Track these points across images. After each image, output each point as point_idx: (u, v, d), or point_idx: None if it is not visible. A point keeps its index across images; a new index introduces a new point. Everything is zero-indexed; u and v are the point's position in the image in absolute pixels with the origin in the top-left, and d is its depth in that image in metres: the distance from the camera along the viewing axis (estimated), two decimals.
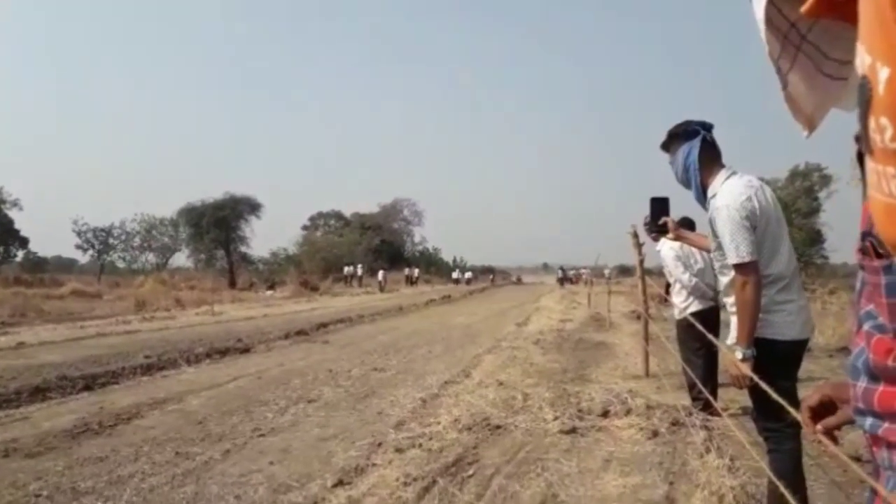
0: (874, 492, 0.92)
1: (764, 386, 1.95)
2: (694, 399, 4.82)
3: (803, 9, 0.43)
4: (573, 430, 4.36)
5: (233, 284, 34.98)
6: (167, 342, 10.01)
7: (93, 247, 46.26)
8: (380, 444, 4.20)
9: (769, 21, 0.77)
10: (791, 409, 1.95)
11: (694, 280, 4.93)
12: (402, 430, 4.55)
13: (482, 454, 3.94)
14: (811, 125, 0.96)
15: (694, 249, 4.89)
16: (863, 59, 0.34)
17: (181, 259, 46.64)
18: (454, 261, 74.47)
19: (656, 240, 4.61)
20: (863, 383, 0.92)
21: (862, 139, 0.39)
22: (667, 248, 5.00)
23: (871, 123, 0.35)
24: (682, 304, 5.08)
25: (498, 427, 4.50)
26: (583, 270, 49.03)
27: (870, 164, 0.38)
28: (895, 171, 0.35)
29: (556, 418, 4.62)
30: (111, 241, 47.04)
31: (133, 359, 8.08)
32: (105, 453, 4.15)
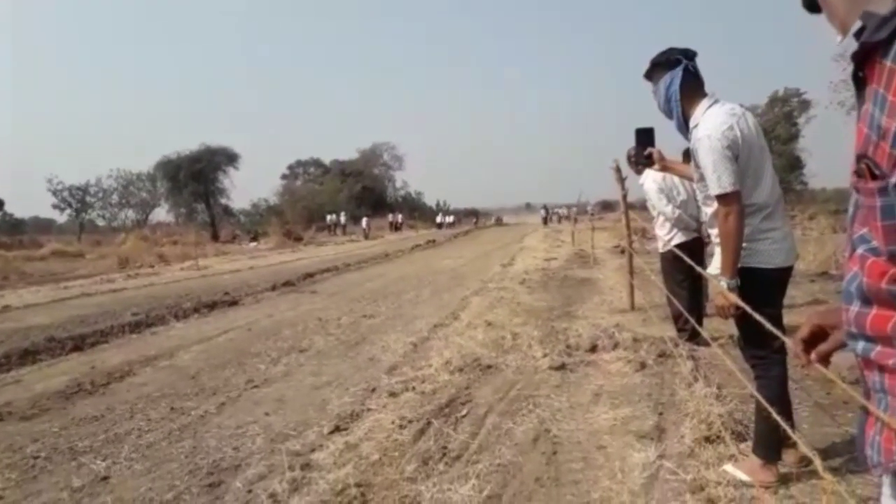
0: (867, 412, 0.94)
1: (753, 314, 1.97)
2: (680, 330, 4.90)
3: None
4: (562, 367, 4.43)
5: (216, 238, 34.78)
6: (154, 298, 9.99)
7: (70, 206, 45.50)
8: (373, 390, 4.25)
9: None
10: (779, 334, 1.99)
11: (677, 212, 4.92)
12: (395, 374, 4.60)
13: (475, 394, 4.01)
14: (844, 28, 0.93)
15: (677, 181, 4.87)
16: None
17: (161, 214, 46.20)
18: (437, 205, 74.34)
19: (640, 172, 4.59)
20: (855, 307, 0.92)
21: None
22: (650, 182, 4.98)
23: None
24: (666, 236, 5.10)
25: (489, 367, 4.57)
26: (562, 210, 49.10)
27: None
28: None
29: (545, 355, 4.69)
30: (88, 199, 46.26)
31: (121, 317, 8.07)
32: (100, 412, 4.17)
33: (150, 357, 5.75)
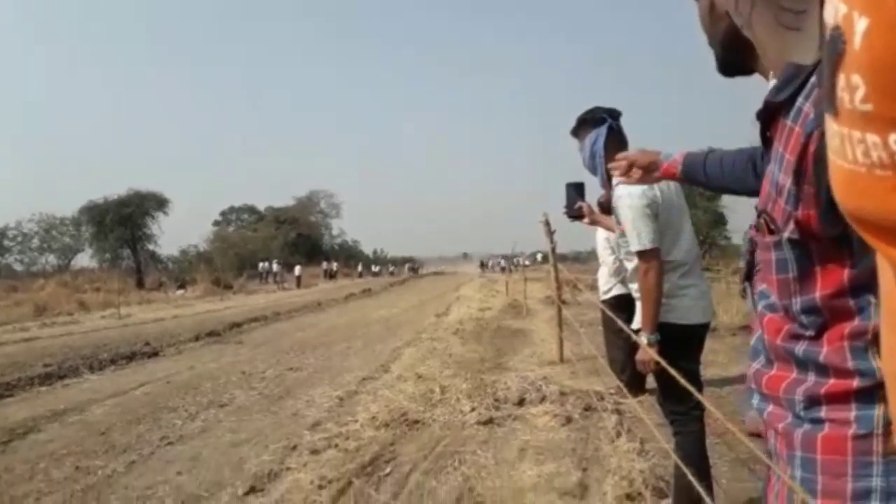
0: (770, 470, 0.93)
1: (669, 370, 1.99)
2: (626, 382, 4.91)
3: None
4: (490, 421, 4.38)
5: (140, 285, 33.60)
6: (69, 349, 9.49)
7: None
8: (294, 447, 4.09)
9: None
10: (695, 392, 2.00)
11: (617, 263, 5.00)
12: (318, 430, 4.45)
13: (399, 451, 3.90)
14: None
15: None
16: (836, 8, 0.32)
17: (84, 259, 44.15)
18: (374, 253, 74.20)
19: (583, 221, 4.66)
20: (757, 364, 0.93)
21: (825, 98, 0.35)
22: (600, 231, 5.04)
23: (841, 81, 0.32)
24: (605, 286, 5.19)
25: (416, 422, 4.47)
26: (501, 260, 51.23)
27: (833, 126, 0.35)
28: (861, 135, 0.32)
29: (473, 409, 4.63)
30: (6, 242, 43.99)
31: (31, 368, 7.61)
32: None
33: (59, 412, 5.41)
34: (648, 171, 1.72)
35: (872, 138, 0.31)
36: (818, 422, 0.81)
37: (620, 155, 1.81)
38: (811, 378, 0.82)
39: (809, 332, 0.82)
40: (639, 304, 2.57)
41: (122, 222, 38.59)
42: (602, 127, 2.66)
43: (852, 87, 0.31)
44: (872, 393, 0.75)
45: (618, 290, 5.06)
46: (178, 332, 11.17)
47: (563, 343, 6.73)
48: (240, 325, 12.31)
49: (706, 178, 1.51)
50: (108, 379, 7.02)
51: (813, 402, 0.81)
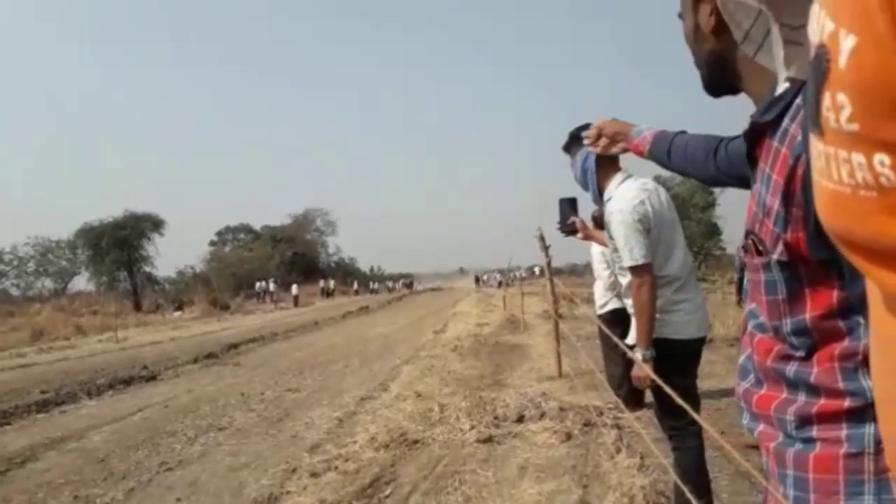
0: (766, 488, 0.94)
1: (665, 387, 1.99)
2: (623, 397, 4.89)
3: None
4: (490, 439, 4.36)
5: (138, 307, 33.45)
6: (66, 374, 9.42)
7: None
8: (294, 470, 4.07)
9: None
10: (689, 410, 2.01)
11: (613, 277, 5.00)
12: (318, 452, 4.43)
13: (399, 472, 3.88)
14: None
15: None
16: (822, 25, 0.31)
17: (81, 283, 43.85)
18: (371, 270, 74.03)
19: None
20: (747, 383, 0.93)
21: (809, 117, 0.35)
22: (595, 245, 5.05)
23: (826, 100, 0.32)
24: (600, 300, 5.18)
25: (415, 442, 4.45)
26: (497, 275, 51.58)
27: (818, 146, 0.34)
28: (848, 154, 0.31)
29: (472, 428, 4.62)
30: (2, 267, 43.75)
31: (27, 395, 7.56)
32: None
33: (57, 439, 5.37)
34: (614, 141, 1.69)
35: (858, 158, 0.31)
36: (810, 441, 0.82)
37: (593, 126, 1.77)
38: (802, 398, 0.83)
39: (800, 353, 0.83)
40: (633, 320, 2.58)
41: (119, 244, 38.42)
42: None
43: (838, 107, 0.31)
44: (863, 412, 0.76)
45: (614, 305, 5.06)
46: (175, 355, 11.11)
47: (562, 358, 6.72)
48: (237, 346, 12.25)
49: (668, 160, 1.51)
50: (105, 405, 6.98)
51: (804, 421, 0.82)
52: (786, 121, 0.79)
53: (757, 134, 0.87)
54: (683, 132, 1.52)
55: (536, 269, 31.90)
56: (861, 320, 0.77)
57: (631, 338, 2.62)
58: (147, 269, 41.48)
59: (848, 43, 0.29)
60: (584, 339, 8.44)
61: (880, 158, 0.30)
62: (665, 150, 1.52)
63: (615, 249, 2.59)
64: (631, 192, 2.55)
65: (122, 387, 8.02)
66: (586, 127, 2.73)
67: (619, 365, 4.78)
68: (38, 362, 11.54)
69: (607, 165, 2.68)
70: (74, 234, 40.67)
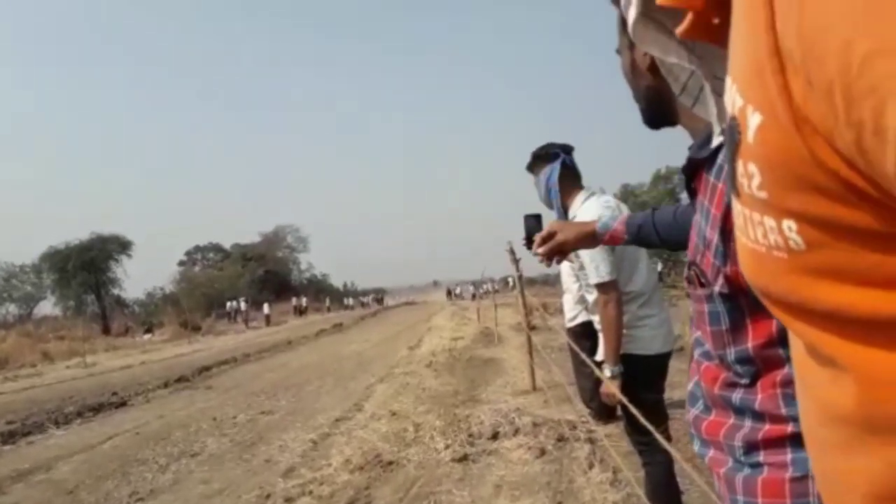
0: None
1: (630, 408, 2.02)
2: (595, 410, 4.91)
3: (679, 30, 0.40)
4: (464, 458, 4.35)
5: (107, 331, 32.80)
6: (33, 403, 9.22)
7: None
8: (268, 496, 4.02)
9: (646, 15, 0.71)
10: (652, 430, 2.04)
11: (582, 290, 5.02)
12: (292, 477, 4.38)
13: (374, 494, 3.86)
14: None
15: None
16: (734, 99, 0.32)
17: (47, 307, 42.93)
18: (345, 286, 73.58)
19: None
20: (696, 410, 0.95)
21: (729, 179, 0.36)
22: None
23: (740, 167, 0.33)
24: (570, 314, 5.21)
25: (390, 463, 4.43)
26: (471, 287, 51.81)
27: (737, 206, 0.36)
28: (761, 217, 0.33)
29: (447, 447, 4.61)
30: None
31: None
32: None
33: (24, 471, 5.25)
34: (564, 253, 1.74)
35: (769, 222, 0.33)
36: (757, 466, 0.84)
37: (546, 229, 1.80)
38: (748, 424, 0.86)
39: (744, 381, 0.86)
40: (601, 336, 2.61)
41: (85, 267, 37.79)
42: (556, 162, 2.72)
43: (749, 175, 0.32)
44: None
45: (583, 318, 5.08)
46: (146, 380, 10.93)
47: (535, 371, 6.74)
48: (209, 368, 12.08)
49: (659, 238, 1.53)
50: (74, 433, 6.84)
51: (751, 447, 0.85)
52: (720, 157, 0.82)
53: (694, 169, 0.90)
54: (656, 208, 1.56)
55: (510, 280, 32.04)
56: None
57: (599, 354, 2.65)
58: (115, 291, 40.96)
59: (754, 120, 0.30)
60: (558, 351, 8.48)
61: (788, 224, 0.31)
62: (651, 230, 1.54)
63: (581, 267, 2.62)
64: (595, 210, 2.59)
65: (91, 414, 7.87)
66: (548, 147, 2.78)
67: (589, 378, 4.80)
68: (4, 391, 11.27)
69: (571, 184, 2.72)
70: (39, 257, 39.93)
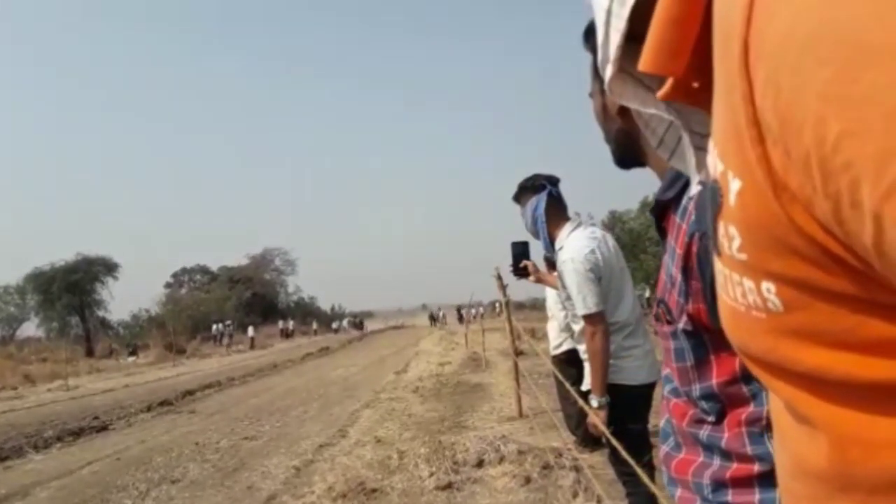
0: None
1: (612, 441, 2.02)
2: (581, 438, 4.89)
3: (660, 94, 0.41)
4: (449, 486, 4.31)
5: (90, 353, 32.36)
6: (12, 426, 9.02)
7: None
8: None
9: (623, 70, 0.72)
10: (628, 459, 2.03)
11: (568, 318, 5.03)
12: None
13: None
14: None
15: None
16: (715, 163, 0.33)
17: (30, 329, 42.46)
18: (332, 309, 73.26)
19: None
20: (667, 447, 0.96)
21: (710, 239, 0.37)
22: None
23: (721, 228, 0.34)
24: (555, 341, 5.21)
25: (374, 490, 4.37)
26: (454, 311, 52.08)
27: (718, 264, 0.37)
28: (740, 278, 0.34)
29: (431, 474, 4.56)
30: None
31: None
32: None
33: (1, 497, 5.16)
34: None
35: (748, 283, 0.33)
36: None
37: None
38: (717, 462, 0.86)
39: (711, 418, 0.87)
40: (587, 366, 2.62)
41: (70, 289, 37.45)
42: (542, 193, 2.75)
43: (730, 237, 0.33)
44: (772, 476, 0.79)
45: (568, 345, 5.09)
46: (128, 403, 10.79)
47: (521, 397, 6.72)
48: (193, 392, 11.93)
49: None
50: (53, 458, 6.73)
51: (719, 485, 0.85)
52: (685, 199, 0.84)
53: (662, 209, 0.92)
54: None
55: (497, 305, 32.04)
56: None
57: (585, 384, 2.65)
58: (100, 313, 40.58)
59: (735, 185, 0.31)
60: (545, 377, 8.44)
61: (767, 286, 0.32)
62: None
63: (568, 297, 2.64)
64: (581, 241, 2.62)
65: (71, 438, 7.75)
66: (535, 179, 2.82)
67: (574, 406, 4.79)
68: None
69: (557, 214, 2.76)
70: (24, 278, 39.55)
